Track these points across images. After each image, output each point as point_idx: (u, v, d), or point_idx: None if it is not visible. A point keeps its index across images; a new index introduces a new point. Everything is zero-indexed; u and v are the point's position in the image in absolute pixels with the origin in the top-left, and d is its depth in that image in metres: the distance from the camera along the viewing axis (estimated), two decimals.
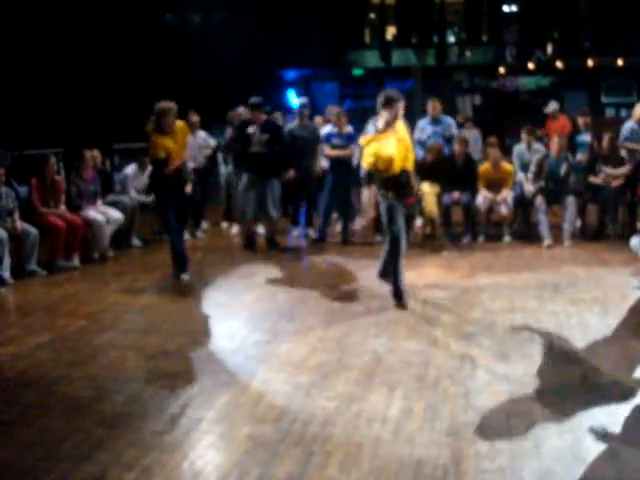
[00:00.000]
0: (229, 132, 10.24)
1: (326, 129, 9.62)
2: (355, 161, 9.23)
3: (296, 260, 8.76)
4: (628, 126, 9.51)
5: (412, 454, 3.63)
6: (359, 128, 9.42)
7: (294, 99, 22.07)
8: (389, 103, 6.07)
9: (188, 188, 8.43)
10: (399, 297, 6.27)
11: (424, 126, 10.02)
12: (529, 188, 9.12)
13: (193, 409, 4.27)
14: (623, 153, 9.33)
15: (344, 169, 9.14)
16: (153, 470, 3.55)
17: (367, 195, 9.65)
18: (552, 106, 11.49)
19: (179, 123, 7.37)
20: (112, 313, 6.42)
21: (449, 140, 9.82)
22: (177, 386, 4.63)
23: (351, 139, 9.20)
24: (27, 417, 4.22)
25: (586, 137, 9.95)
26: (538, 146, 10.00)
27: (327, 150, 9.32)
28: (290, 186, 9.60)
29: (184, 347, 5.41)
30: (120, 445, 3.82)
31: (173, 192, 7.38)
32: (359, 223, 10.05)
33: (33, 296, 7.10)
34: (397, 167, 6.01)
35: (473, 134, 11.79)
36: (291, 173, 9.19)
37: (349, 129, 9.35)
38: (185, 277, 7.50)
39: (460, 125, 11.51)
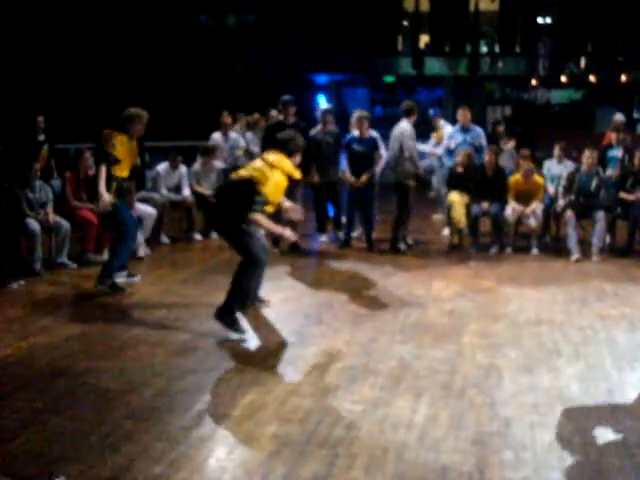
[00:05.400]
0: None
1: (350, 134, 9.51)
2: (378, 169, 9.24)
3: (322, 264, 8.77)
4: None
5: (437, 460, 3.65)
6: (387, 135, 9.37)
7: (324, 104, 22.13)
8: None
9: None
10: None
11: (454, 134, 10.08)
12: (560, 202, 9.10)
13: (220, 406, 4.32)
14: None
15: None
16: (180, 464, 3.61)
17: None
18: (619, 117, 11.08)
19: None
20: (141, 308, 6.49)
21: (477, 150, 9.79)
22: (204, 383, 4.69)
23: (374, 144, 9.17)
24: (57, 406, 4.30)
25: (617, 152, 9.88)
26: (568, 162, 9.98)
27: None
28: (317, 191, 9.57)
29: (211, 345, 5.47)
30: (147, 438, 3.88)
31: None
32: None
33: (64, 288, 7.21)
34: None
35: (510, 146, 11.68)
36: (315, 178, 9.20)
37: (373, 134, 9.28)
38: None
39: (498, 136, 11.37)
